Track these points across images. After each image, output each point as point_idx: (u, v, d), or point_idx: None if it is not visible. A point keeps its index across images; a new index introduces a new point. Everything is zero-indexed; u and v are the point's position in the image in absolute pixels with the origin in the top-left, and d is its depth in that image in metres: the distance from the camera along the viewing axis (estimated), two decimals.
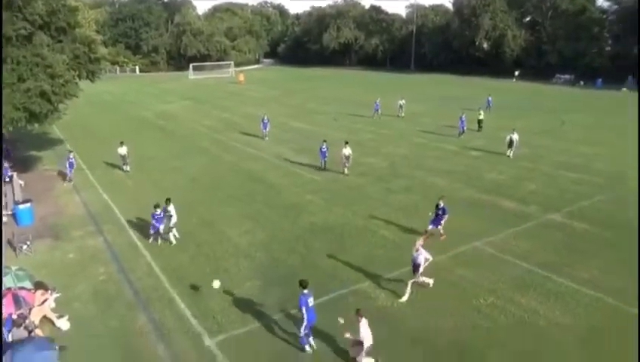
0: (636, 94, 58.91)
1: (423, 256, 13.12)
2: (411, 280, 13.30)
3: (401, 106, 43.59)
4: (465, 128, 34.53)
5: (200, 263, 15.70)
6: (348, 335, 10.44)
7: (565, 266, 15.13)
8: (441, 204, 16.88)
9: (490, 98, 46.28)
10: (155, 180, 25.01)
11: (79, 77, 26.47)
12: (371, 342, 10.25)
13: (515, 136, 28.46)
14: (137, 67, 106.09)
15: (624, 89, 64.26)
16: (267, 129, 34.20)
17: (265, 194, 22.59)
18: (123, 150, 26.07)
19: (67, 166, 24.24)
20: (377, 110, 43.07)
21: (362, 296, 13.53)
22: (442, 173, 25.70)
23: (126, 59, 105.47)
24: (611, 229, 18.04)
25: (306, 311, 10.58)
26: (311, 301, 10.72)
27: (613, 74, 69.04)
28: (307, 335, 10.96)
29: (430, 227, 16.99)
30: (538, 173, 25.66)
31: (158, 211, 16.60)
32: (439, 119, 41.63)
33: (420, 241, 13.35)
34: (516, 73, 78.82)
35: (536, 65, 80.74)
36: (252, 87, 73.28)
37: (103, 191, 23.17)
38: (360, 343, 10.21)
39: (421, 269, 13.20)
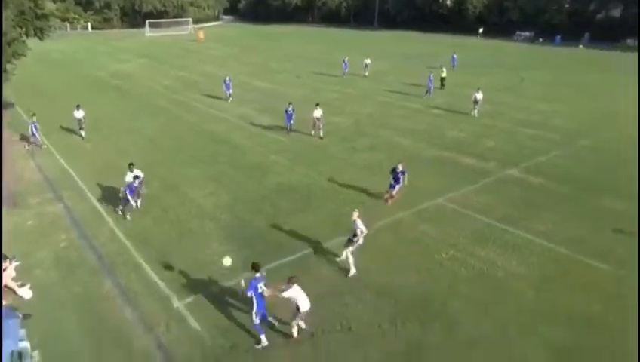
0: (592, 51, 60.54)
1: (359, 228, 12.63)
2: (349, 250, 12.86)
3: (366, 65, 43.18)
4: (432, 88, 34.40)
5: (164, 227, 15.52)
6: (268, 291, 10.17)
7: (522, 220, 15.78)
8: (400, 168, 16.61)
9: (455, 55, 46.44)
10: (113, 142, 24.21)
11: (26, 35, 25.04)
12: (307, 308, 10.10)
13: (480, 95, 28.77)
14: (89, 24, 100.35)
15: (581, 46, 65.78)
16: (230, 90, 33.32)
17: (228, 155, 22.31)
18: (79, 114, 24.88)
19: (33, 131, 23.02)
20: (346, 69, 42.70)
21: (329, 254, 13.76)
22: (406, 131, 25.94)
23: (77, 16, 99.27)
24: (567, 184, 18.81)
25: (255, 295, 10.01)
26: (261, 286, 10.07)
27: (571, 31, 70.32)
28: (263, 319, 10.39)
29: (390, 189, 17.10)
30: (497, 130, 26.26)
31: (136, 183, 16.06)
32: (403, 77, 41.66)
33: (355, 212, 12.83)
34: (480, 30, 79.18)
35: (498, 22, 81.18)
36: (211, 44, 70.91)
37: (59, 156, 22.29)
38: (297, 308, 10.12)
39: (360, 241, 12.70)
